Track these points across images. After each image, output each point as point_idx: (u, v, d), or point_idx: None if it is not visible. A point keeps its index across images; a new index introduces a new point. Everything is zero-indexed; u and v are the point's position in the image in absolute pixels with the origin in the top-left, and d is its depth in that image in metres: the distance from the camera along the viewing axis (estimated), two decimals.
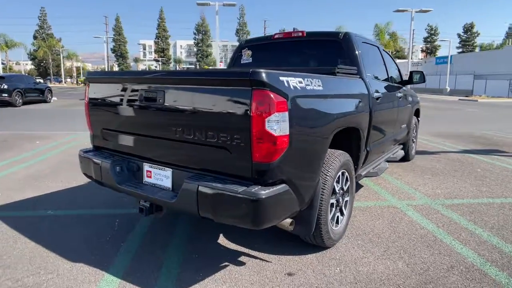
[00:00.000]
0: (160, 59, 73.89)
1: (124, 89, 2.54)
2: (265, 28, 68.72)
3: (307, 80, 2.25)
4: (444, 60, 39.07)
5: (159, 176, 2.46)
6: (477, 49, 68.10)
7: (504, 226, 3.27)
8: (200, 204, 2.08)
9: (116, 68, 68.79)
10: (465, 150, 6.97)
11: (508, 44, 55.80)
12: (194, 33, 76.17)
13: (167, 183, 2.42)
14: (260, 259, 2.65)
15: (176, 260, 2.62)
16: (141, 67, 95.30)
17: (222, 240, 2.96)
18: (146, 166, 2.54)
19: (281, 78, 1.99)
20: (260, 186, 1.97)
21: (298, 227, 2.45)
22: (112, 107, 2.66)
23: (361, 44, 3.55)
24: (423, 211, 3.64)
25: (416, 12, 21.26)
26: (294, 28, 3.99)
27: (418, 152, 6.48)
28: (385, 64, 4.27)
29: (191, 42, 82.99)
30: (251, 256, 2.70)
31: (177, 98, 2.23)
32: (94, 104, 2.80)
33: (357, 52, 3.38)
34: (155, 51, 79.71)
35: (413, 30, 22.10)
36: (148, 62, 75.75)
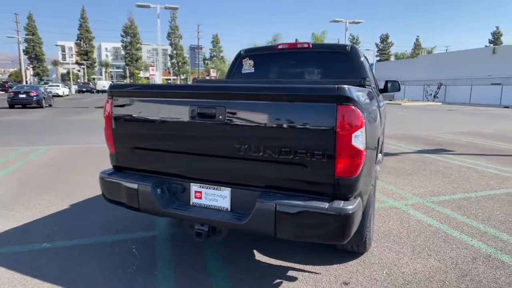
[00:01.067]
0: (84, 62, 68.32)
1: (166, 104, 2.35)
2: (198, 32, 68.06)
3: (364, 94, 2.34)
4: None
5: (213, 197, 2.33)
6: (392, 58, 76.06)
7: (491, 217, 3.74)
8: (278, 224, 2.02)
9: (31, 72, 61.66)
10: (419, 151, 7.77)
11: (421, 53, 63.41)
12: (122, 36, 72.18)
13: (224, 203, 2.30)
14: (308, 271, 2.66)
15: (225, 284, 2.49)
16: (62, 70, 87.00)
17: (259, 256, 2.90)
18: (195, 187, 2.38)
19: (357, 93, 2.04)
20: (343, 201, 1.99)
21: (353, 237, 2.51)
22: (150, 123, 2.43)
23: (363, 56, 3.78)
24: (421, 210, 3.98)
25: (350, 23, 23.08)
26: (296, 40, 4.08)
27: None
28: (372, 74, 4.58)
29: (118, 44, 78.42)
30: (298, 270, 2.69)
31: (243, 114, 2.13)
32: (122, 120, 2.53)
33: (365, 64, 3.58)
34: (78, 54, 73.52)
35: (338, 39, 24.07)
36: (71, 65, 69.33)
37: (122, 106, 2.52)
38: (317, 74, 3.87)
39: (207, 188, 2.34)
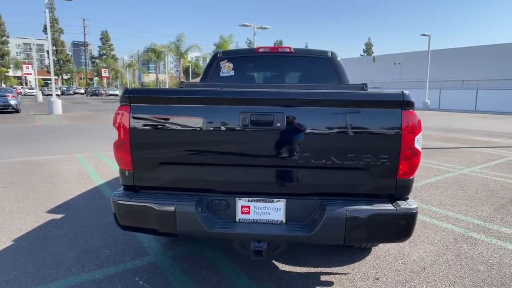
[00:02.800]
0: None
1: (207, 112, 2.09)
2: (84, 27, 61.28)
3: None
4: None
5: (264, 210, 2.16)
6: None
7: (442, 203, 4.40)
8: (348, 231, 2.00)
9: None
10: None
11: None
12: None
13: (278, 216, 2.16)
14: (337, 273, 2.71)
15: None
16: None
17: (282, 266, 2.81)
18: (241, 201, 2.17)
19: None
20: (404, 201, 2.09)
21: None
22: (185, 134, 2.11)
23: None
24: None
25: (257, 28, 23.95)
26: (275, 44, 4.05)
27: None
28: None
29: None
30: (327, 274, 2.71)
31: (305, 120, 2.03)
32: (145, 131, 2.13)
33: (344, 69, 3.80)
34: None
35: (237, 43, 24.98)
36: None
37: (145, 114, 2.13)
38: (300, 79, 3.94)
39: (257, 201, 2.16)
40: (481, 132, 12.98)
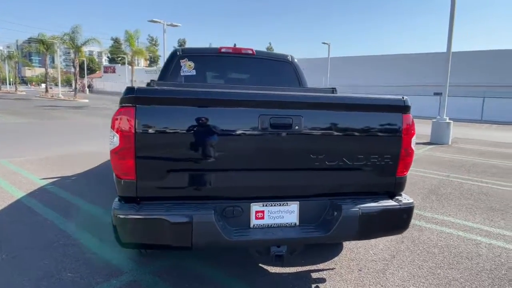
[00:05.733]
0: None
1: (221, 114, 1.97)
2: None
3: None
4: None
5: (278, 214, 2.14)
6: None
7: None
8: (361, 227, 2.13)
9: None
10: None
11: None
12: None
13: (292, 219, 2.16)
14: (324, 269, 2.83)
15: None
16: None
17: (271, 269, 2.80)
18: (256, 207, 2.11)
19: None
20: (401, 197, 2.32)
21: None
22: (198, 138, 1.94)
23: None
24: None
25: (167, 25, 22.94)
26: (234, 44, 3.99)
27: None
28: None
29: None
30: (315, 271, 2.81)
31: (320, 123, 2.08)
32: (153, 136, 1.89)
33: (303, 73, 3.99)
34: None
35: (149, 36, 23.50)
36: None
37: (153, 116, 1.89)
38: (262, 81, 3.95)
39: (271, 205, 2.13)
40: None
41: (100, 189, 4.77)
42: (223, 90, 2.10)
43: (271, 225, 2.13)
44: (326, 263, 2.93)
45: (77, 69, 33.84)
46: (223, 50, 3.82)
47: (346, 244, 3.27)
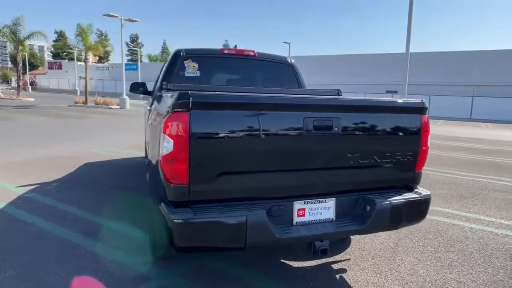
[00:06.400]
0: None
1: (270, 117, 2.05)
2: None
3: None
4: (131, 67, 42.28)
5: (317, 211, 2.27)
6: (144, 59, 77.51)
7: None
8: (391, 219, 2.33)
9: None
10: None
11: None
12: None
13: (329, 214, 2.31)
14: (341, 260, 3.01)
15: None
16: None
17: (293, 264, 2.93)
18: (298, 205, 2.22)
19: None
20: (419, 190, 2.56)
21: None
22: (249, 141, 2.01)
23: None
24: None
25: (125, 20, 21.85)
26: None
27: None
28: None
29: None
30: (334, 262, 2.98)
31: (355, 125, 2.24)
32: (208, 140, 1.92)
33: (302, 75, 4.15)
34: None
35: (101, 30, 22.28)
36: None
37: (207, 121, 1.92)
38: (263, 82, 4.03)
39: (311, 203, 2.25)
40: None
41: (89, 195, 4.55)
42: (272, 94, 2.18)
43: (311, 222, 2.26)
44: (341, 254, 3.11)
45: (20, 64, 31.14)
46: (225, 51, 3.85)
47: (353, 237, 3.48)
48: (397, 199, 2.36)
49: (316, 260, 2.98)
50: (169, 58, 3.74)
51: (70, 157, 6.81)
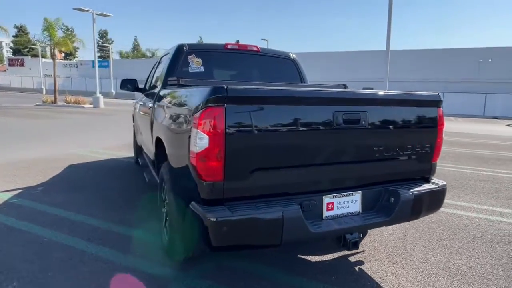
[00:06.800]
0: None
1: (302, 111, 2.03)
2: None
3: None
4: (102, 64, 40.74)
5: (345, 204, 2.28)
6: (114, 55, 74.83)
7: None
8: (413, 209, 2.38)
9: None
10: None
11: (156, 55, 66.53)
12: None
13: (355, 207, 2.32)
14: (359, 252, 3.05)
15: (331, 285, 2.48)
16: None
17: (312, 258, 2.93)
18: (327, 199, 2.21)
19: None
20: (435, 180, 2.63)
21: None
22: (283, 136, 1.98)
23: None
24: None
25: (97, 14, 20.90)
26: (237, 41, 3.95)
27: None
28: None
29: None
30: (350, 255, 3.01)
31: (379, 118, 2.26)
32: (243, 136, 1.87)
33: (304, 70, 4.15)
34: None
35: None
36: None
37: (242, 116, 1.86)
38: (266, 78, 3.98)
39: (339, 197, 2.25)
40: None
41: (81, 198, 4.33)
42: (307, 88, 2.15)
43: (340, 215, 2.26)
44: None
45: None
46: (229, 46, 3.77)
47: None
48: (419, 190, 2.41)
49: (332, 254, 3.00)
50: (171, 53, 3.60)
51: (53, 159, 6.47)
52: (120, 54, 78.54)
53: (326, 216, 2.22)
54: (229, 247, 1.95)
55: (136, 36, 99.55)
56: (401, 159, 2.43)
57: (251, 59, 3.92)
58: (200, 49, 3.65)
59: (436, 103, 2.52)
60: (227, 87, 1.82)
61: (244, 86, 2.01)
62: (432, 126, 2.51)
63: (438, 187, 2.54)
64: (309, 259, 2.92)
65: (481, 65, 30.05)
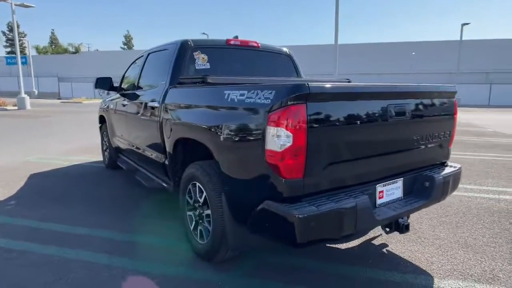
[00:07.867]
0: None
1: (368, 106, 2.17)
2: None
3: None
4: (20, 60, 36.35)
5: (391, 191, 2.44)
6: (31, 51, 67.12)
7: None
8: (443, 191, 2.64)
9: None
10: None
11: (81, 50, 61.06)
12: None
13: (399, 193, 2.49)
14: (376, 237, 3.26)
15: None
16: None
17: (341, 246, 3.06)
18: (379, 187, 2.35)
19: None
20: (450, 163, 2.93)
21: None
22: (352, 130, 2.08)
23: None
24: None
25: (17, 5, 18.44)
26: (236, 36, 3.88)
27: None
28: None
29: None
30: (372, 239, 3.21)
31: (417, 109, 2.46)
32: (322, 132, 1.91)
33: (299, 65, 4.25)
34: None
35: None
36: None
37: (321, 113, 1.90)
38: (266, 73, 3.97)
39: (388, 185, 2.40)
40: None
41: (65, 208, 3.93)
42: (375, 84, 2.24)
43: (388, 202, 2.41)
44: (372, 231, 3.36)
45: None
46: (231, 42, 3.71)
47: None
48: (446, 173, 2.68)
49: (356, 241, 3.16)
50: (173, 50, 3.41)
51: (8, 169, 5.71)
52: (37, 49, 70.56)
53: (379, 204, 2.35)
54: (310, 242, 1.97)
55: (53, 30, 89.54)
56: (429, 146, 2.67)
57: (252, 55, 3.90)
58: (204, 45, 3.53)
59: (453, 94, 2.80)
60: (308, 84, 1.83)
61: (321, 83, 2.03)
62: (452, 114, 2.80)
63: (458, 169, 2.84)
64: (337, 246, 3.04)
65: (413, 58, 33.62)
